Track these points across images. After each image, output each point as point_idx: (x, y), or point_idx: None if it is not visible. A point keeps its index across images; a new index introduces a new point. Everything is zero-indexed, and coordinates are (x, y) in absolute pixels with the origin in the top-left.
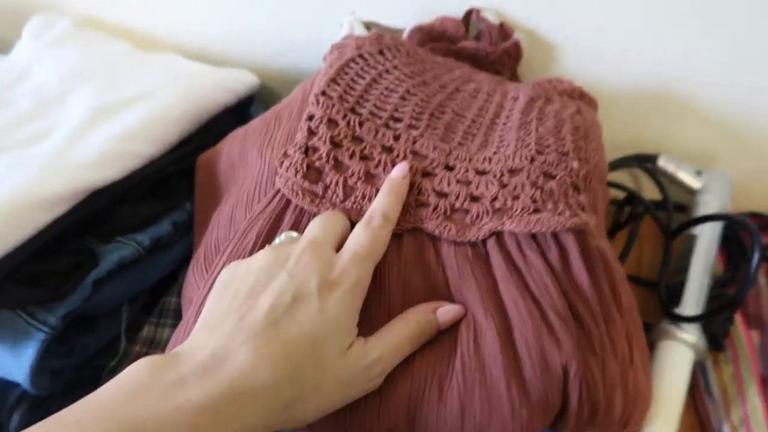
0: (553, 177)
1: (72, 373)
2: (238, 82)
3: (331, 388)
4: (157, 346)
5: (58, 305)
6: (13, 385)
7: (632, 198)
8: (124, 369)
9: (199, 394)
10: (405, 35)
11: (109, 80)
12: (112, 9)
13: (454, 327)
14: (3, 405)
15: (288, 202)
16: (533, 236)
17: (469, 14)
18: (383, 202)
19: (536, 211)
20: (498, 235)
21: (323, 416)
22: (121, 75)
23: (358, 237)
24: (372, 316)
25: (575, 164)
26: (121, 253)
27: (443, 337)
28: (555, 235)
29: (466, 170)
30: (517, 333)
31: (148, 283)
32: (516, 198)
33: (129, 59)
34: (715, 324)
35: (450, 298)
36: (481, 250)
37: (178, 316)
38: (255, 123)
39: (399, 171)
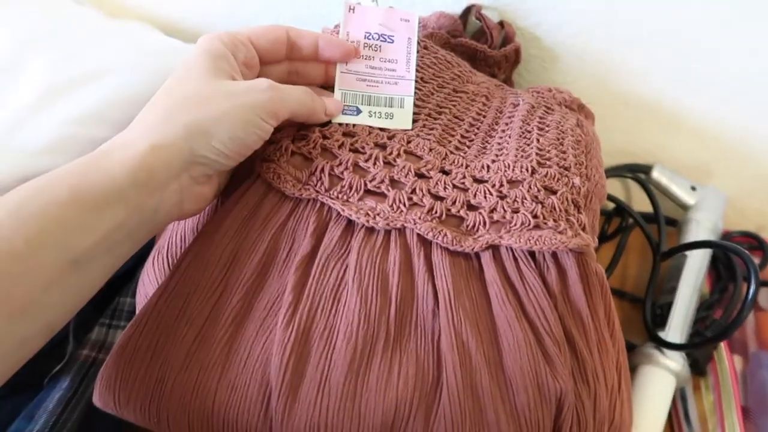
0: (554, 192)
1: (12, 377)
2: None
3: (216, 100)
4: (108, 350)
5: None
6: None
7: (621, 210)
8: (69, 374)
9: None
10: None
11: (68, 51)
12: None
13: (438, 348)
14: None
15: (268, 188)
16: (531, 254)
17: (467, 11)
18: None
19: (537, 227)
20: (494, 248)
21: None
22: (81, 45)
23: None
24: (368, 314)
25: (577, 180)
26: None
27: (427, 358)
28: (554, 255)
29: (464, 176)
30: (509, 359)
31: None
32: (516, 211)
33: (92, 27)
34: (698, 349)
35: (437, 312)
36: (474, 263)
37: (132, 318)
38: None
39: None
